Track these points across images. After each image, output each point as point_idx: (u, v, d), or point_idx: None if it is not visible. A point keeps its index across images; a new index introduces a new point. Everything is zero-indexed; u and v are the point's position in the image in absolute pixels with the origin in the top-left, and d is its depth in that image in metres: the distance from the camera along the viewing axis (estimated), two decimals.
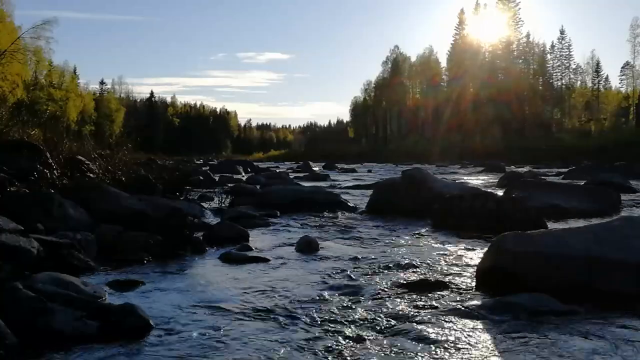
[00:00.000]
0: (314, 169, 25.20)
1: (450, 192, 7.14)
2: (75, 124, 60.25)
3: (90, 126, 64.94)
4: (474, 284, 3.54)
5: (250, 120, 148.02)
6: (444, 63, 69.37)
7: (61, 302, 2.66)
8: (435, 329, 2.66)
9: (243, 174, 20.36)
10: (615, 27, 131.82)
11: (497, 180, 13.82)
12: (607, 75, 65.57)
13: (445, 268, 4.03)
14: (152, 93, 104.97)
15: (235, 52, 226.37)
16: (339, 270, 3.99)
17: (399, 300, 3.17)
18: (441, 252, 4.67)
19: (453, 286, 3.47)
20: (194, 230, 5.16)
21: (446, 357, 2.33)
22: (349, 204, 8.21)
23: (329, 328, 2.68)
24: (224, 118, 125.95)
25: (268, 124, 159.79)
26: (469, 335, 2.57)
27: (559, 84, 62.78)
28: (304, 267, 4.17)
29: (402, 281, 3.59)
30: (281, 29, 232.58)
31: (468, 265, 4.10)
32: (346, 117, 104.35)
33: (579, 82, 63.26)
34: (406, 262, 4.19)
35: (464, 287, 3.46)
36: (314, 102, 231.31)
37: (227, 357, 2.34)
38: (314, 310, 2.97)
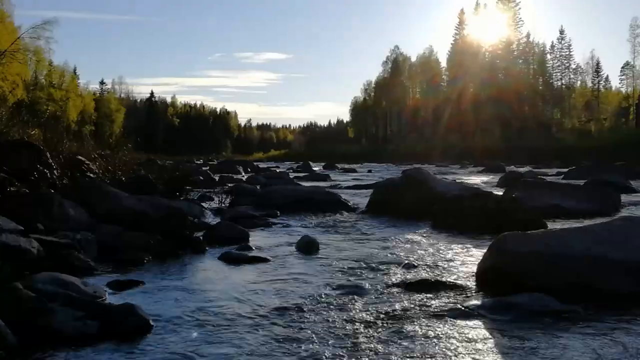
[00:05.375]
0: (314, 169, 25.21)
1: (450, 192, 7.14)
2: (75, 124, 60.24)
3: (90, 126, 64.95)
4: (474, 284, 3.54)
5: (250, 120, 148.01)
6: (444, 63, 69.46)
7: (61, 302, 2.66)
8: (436, 329, 2.66)
9: (243, 174, 20.35)
10: (615, 27, 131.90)
11: (497, 180, 13.82)
12: (607, 75, 65.67)
13: (445, 268, 4.03)
14: (152, 93, 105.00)
15: (233, 52, 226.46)
16: (339, 270, 3.99)
17: (399, 300, 3.17)
18: (441, 252, 4.67)
19: (453, 286, 3.47)
20: (194, 230, 5.16)
21: (446, 357, 2.33)
22: (349, 204, 8.21)
23: (329, 328, 2.68)
24: (224, 118, 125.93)
25: (268, 124, 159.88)
26: (469, 335, 2.57)
27: (559, 84, 62.79)
28: (304, 267, 4.17)
29: (402, 281, 3.59)
30: (279, 29, 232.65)
31: (468, 265, 4.10)
32: (346, 117, 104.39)
33: (579, 82, 63.29)
34: (406, 262, 4.18)
35: (464, 287, 3.46)
36: (313, 102, 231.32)
37: (227, 357, 2.34)
38: (314, 310, 2.97)
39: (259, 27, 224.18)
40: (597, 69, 61.63)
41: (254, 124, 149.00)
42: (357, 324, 2.74)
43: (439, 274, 3.81)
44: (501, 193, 7.71)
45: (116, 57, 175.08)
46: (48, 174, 6.06)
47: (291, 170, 24.16)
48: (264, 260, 4.37)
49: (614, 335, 2.59)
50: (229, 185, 11.70)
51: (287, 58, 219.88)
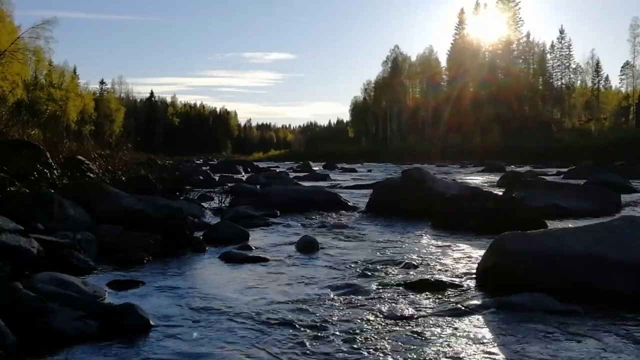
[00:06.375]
0: (314, 168, 25.20)
1: (450, 192, 7.14)
2: (75, 124, 60.27)
3: (90, 126, 64.93)
4: (474, 284, 3.54)
5: (250, 120, 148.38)
6: (444, 63, 69.56)
7: (61, 302, 2.66)
8: (435, 329, 2.66)
9: (243, 173, 20.35)
10: (615, 27, 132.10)
11: (497, 180, 13.82)
12: (607, 75, 65.85)
13: (445, 268, 4.03)
14: (152, 93, 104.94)
15: (239, 52, 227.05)
16: (339, 270, 3.99)
17: (399, 300, 3.17)
18: (441, 252, 4.67)
19: (453, 286, 3.46)
20: (194, 230, 5.16)
21: (446, 357, 2.33)
22: (349, 203, 8.21)
23: (329, 328, 2.68)
24: (223, 118, 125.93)
25: (268, 123, 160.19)
26: (469, 335, 2.57)
27: (559, 83, 62.86)
28: (304, 266, 4.17)
29: (402, 281, 3.58)
30: (284, 30, 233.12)
31: (468, 265, 4.10)
32: (346, 117, 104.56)
33: (579, 82, 63.39)
34: (406, 262, 4.18)
35: (464, 287, 3.46)
36: (314, 102, 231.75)
37: (227, 357, 2.34)
38: (314, 310, 2.97)
39: (265, 27, 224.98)
40: (597, 69, 61.69)
41: (254, 123, 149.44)
42: (357, 324, 2.74)
43: (439, 274, 3.81)
44: (501, 193, 7.71)
45: (116, 57, 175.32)
46: (48, 174, 6.06)
47: (291, 170, 24.15)
48: (264, 260, 4.37)
49: (614, 335, 2.59)
50: (229, 185, 11.69)
51: (293, 58, 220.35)
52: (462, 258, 4.41)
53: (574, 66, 62.44)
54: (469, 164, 31.16)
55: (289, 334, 2.60)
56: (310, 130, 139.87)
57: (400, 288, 3.43)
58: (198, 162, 39.30)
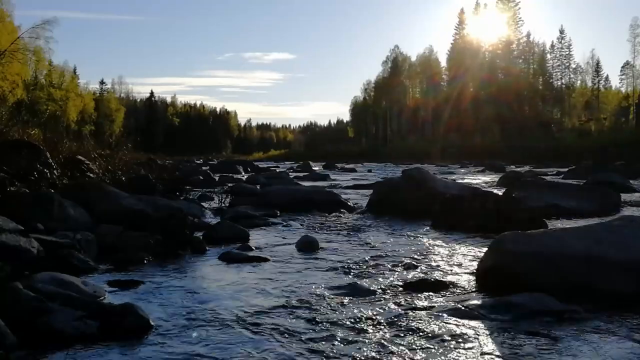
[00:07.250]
0: (314, 168, 25.20)
1: (450, 192, 7.14)
2: (75, 124, 60.28)
3: (90, 126, 64.91)
4: (474, 284, 3.54)
5: (250, 120, 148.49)
6: (444, 63, 69.63)
7: (61, 302, 2.66)
8: (435, 329, 2.66)
9: (243, 173, 20.35)
10: (615, 27, 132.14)
11: (497, 180, 13.82)
12: (607, 75, 66.00)
13: (445, 268, 4.03)
14: (152, 93, 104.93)
15: (241, 52, 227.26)
16: (339, 270, 3.99)
17: (399, 300, 3.17)
18: (441, 252, 4.67)
19: (453, 286, 3.47)
20: (194, 230, 5.16)
21: (446, 357, 2.33)
22: (349, 203, 8.21)
23: (329, 327, 2.68)
24: (223, 118, 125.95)
25: (268, 123, 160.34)
26: (469, 335, 2.57)
27: (559, 83, 62.88)
28: (304, 266, 4.17)
29: (402, 281, 3.59)
30: (286, 30, 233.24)
31: (468, 265, 4.10)
32: (346, 117, 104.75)
33: (579, 82, 63.43)
34: (406, 262, 4.18)
35: (464, 287, 3.46)
36: (314, 102, 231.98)
37: (227, 357, 2.34)
38: (314, 310, 2.97)
39: (265, 27, 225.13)
40: (597, 69, 61.72)
41: (254, 123, 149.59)
42: (356, 323, 2.74)
43: (439, 274, 3.81)
44: (501, 193, 7.71)
45: (120, 57, 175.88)
46: (48, 174, 6.06)
47: (291, 170, 24.15)
48: (264, 259, 4.38)
49: (614, 335, 2.59)
50: (229, 185, 11.69)
51: (293, 58, 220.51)
52: (462, 258, 4.41)
53: (574, 66, 62.55)
54: (469, 164, 31.15)
55: (289, 334, 2.60)
56: (310, 130, 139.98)
57: (401, 288, 3.43)
58: (198, 162, 39.32)
